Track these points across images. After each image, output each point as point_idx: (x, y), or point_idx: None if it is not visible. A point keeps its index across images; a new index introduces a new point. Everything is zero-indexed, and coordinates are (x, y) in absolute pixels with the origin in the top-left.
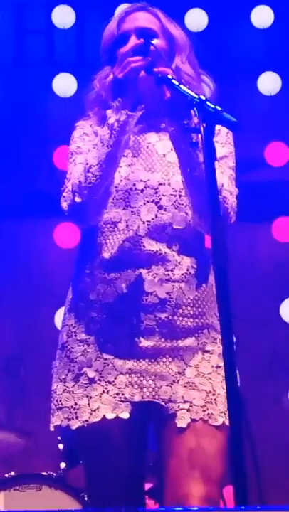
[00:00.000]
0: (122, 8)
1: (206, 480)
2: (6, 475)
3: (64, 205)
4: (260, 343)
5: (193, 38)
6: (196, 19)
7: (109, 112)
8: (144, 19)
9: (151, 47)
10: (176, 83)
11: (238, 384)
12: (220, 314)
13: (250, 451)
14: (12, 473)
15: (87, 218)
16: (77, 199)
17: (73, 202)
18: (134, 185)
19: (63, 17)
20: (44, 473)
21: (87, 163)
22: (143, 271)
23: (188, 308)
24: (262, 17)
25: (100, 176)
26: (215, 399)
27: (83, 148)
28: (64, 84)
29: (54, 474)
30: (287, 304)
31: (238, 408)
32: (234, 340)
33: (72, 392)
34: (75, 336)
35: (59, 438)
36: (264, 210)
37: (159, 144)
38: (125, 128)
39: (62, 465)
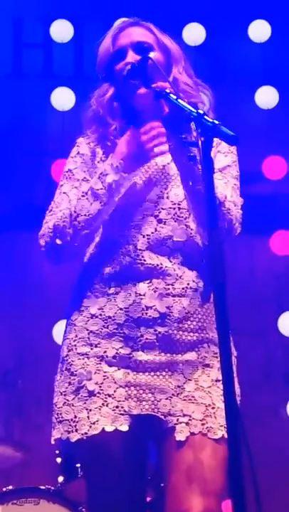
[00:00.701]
0: (117, 23)
1: (206, 493)
2: (4, 489)
3: (42, 241)
4: (258, 356)
5: (191, 52)
6: (194, 33)
7: (107, 167)
8: (138, 33)
9: (150, 61)
10: (174, 97)
11: (238, 397)
12: (218, 327)
13: (249, 464)
14: (10, 487)
15: (65, 259)
16: (58, 241)
17: (53, 243)
18: (132, 200)
19: (62, 31)
20: (42, 487)
21: (74, 211)
22: (143, 285)
23: (189, 322)
24: (259, 31)
25: (86, 226)
26: (214, 412)
27: (74, 172)
28: (62, 98)
29: (52, 488)
30: (285, 317)
31: (236, 421)
32: (235, 354)
33: (72, 405)
34: (76, 349)
35: (57, 452)
36: (262, 224)
37: (159, 157)
38: (120, 188)
39: (60, 479)
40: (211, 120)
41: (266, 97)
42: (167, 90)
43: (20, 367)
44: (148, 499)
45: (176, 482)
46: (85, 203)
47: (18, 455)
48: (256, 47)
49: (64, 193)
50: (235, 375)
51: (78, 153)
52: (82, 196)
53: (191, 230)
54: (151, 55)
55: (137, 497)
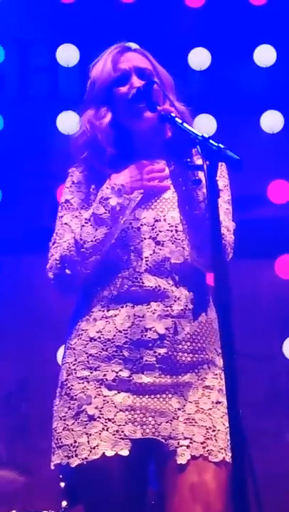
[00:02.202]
0: (113, 47)
1: None
2: None
3: (50, 274)
4: (262, 380)
5: (196, 77)
6: (199, 58)
7: (107, 191)
8: (138, 59)
9: (155, 86)
10: (180, 121)
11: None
12: (223, 351)
13: (253, 488)
14: (13, 511)
15: (75, 289)
16: (68, 271)
17: (63, 273)
18: (130, 224)
19: (67, 55)
20: None
21: (80, 239)
22: (142, 307)
23: (188, 343)
24: (265, 56)
25: (94, 252)
26: (215, 435)
27: (72, 201)
28: (68, 122)
29: None
30: None
31: (241, 446)
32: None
33: (72, 430)
34: (75, 373)
35: (61, 476)
36: (267, 248)
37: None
38: (125, 211)
39: (64, 503)
40: (216, 144)
41: (271, 121)
42: (172, 114)
43: (24, 390)
44: None
45: (178, 505)
46: (89, 229)
47: (21, 479)
48: (261, 71)
49: (65, 223)
50: None
51: (73, 182)
52: (86, 223)
53: (187, 252)
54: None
55: None
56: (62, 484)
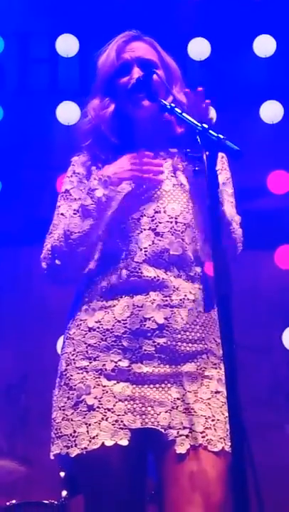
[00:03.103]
0: (119, 36)
1: (207, 507)
2: (8, 503)
3: (43, 264)
4: (262, 371)
5: (196, 67)
6: (199, 48)
7: (95, 182)
8: (143, 49)
9: (154, 76)
10: (180, 111)
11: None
12: (222, 341)
13: (253, 480)
14: (13, 502)
15: (66, 280)
16: (57, 262)
17: (53, 264)
18: (130, 214)
19: (67, 46)
20: (46, 502)
21: (68, 230)
22: (141, 297)
23: (187, 333)
24: (264, 46)
25: (80, 243)
26: (214, 425)
27: (71, 192)
28: (67, 112)
29: (55, 502)
30: None
31: (240, 436)
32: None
33: (71, 420)
34: (74, 363)
35: (60, 466)
36: (266, 238)
37: None
38: (111, 202)
39: (64, 493)
40: (216, 134)
41: (271, 111)
42: (172, 104)
43: (24, 381)
44: None
45: (177, 494)
46: (77, 220)
47: (21, 469)
48: (261, 62)
49: (61, 214)
50: None
51: (74, 172)
52: (74, 214)
53: (186, 244)
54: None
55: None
56: (62, 474)
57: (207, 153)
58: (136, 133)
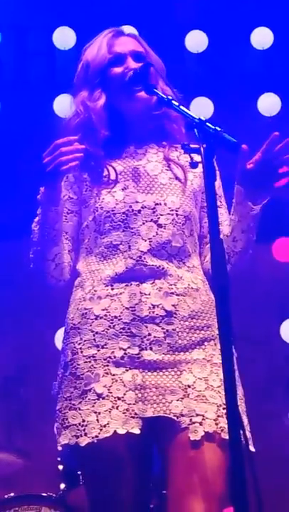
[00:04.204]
0: (106, 31)
1: (214, 494)
2: (6, 496)
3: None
4: (260, 363)
5: (193, 59)
6: (196, 40)
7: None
8: (133, 43)
9: (151, 68)
10: (177, 103)
11: (241, 400)
12: (220, 334)
13: (250, 471)
14: (12, 494)
15: (62, 282)
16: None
17: (38, 275)
18: (130, 207)
19: (64, 38)
20: (44, 494)
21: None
22: (147, 285)
23: (194, 320)
24: (262, 38)
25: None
26: (225, 413)
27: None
28: (65, 105)
29: (54, 495)
30: (287, 325)
31: (238, 426)
32: (235, 355)
33: (79, 409)
34: (81, 352)
35: (59, 459)
36: (264, 230)
37: (150, 166)
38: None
39: (62, 486)
40: (213, 127)
41: (268, 103)
42: (170, 97)
43: (22, 374)
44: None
45: (190, 481)
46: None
47: (19, 462)
48: (258, 54)
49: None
50: (237, 374)
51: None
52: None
53: (186, 236)
54: None
55: (142, 503)
56: (61, 467)
57: (204, 145)
58: (127, 125)
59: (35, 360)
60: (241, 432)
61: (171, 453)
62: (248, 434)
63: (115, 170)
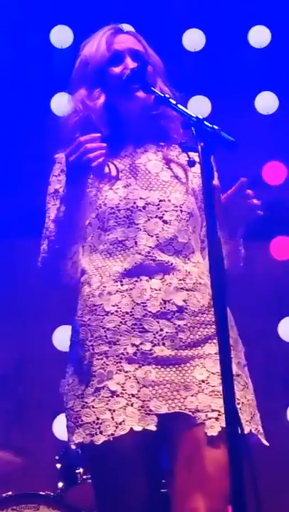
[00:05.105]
0: (106, 28)
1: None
2: (4, 494)
3: (40, 259)
4: (257, 361)
5: (190, 58)
6: (194, 39)
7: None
8: (132, 41)
9: (149, 67)
10: (174, 102)
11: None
12: (217, 331)
13: (249, 469)
14: (9, 493)
15: (68, 283)
16: (47, 275)
17: (45, 276)
18: (134, 203)
19: (61, 37)
20: (42, 493)
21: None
22: (156, 281)
23: (204, 315)
24: (259, 37)
25: (60, 249)
26: (240, 408)
27: (61, 191)
28: (62, 104)
29: (52, 494)
30: (285, 323)
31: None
32: (243, 350)
33: (93, 407)
34: (93, 349)
35: (57, 457)
36: (262, 229)
37: (150, 164)
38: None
39: (60, 484)
40: (211, 125)
41: (266, 102)
42: (167, 95)
43: (20, 372)
44: None
45: (212, 475)
46: (52, 225)
47: (17, 460)
48: (256, 52)
49: (50, 217)
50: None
51: (62, 170)
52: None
53: (190, 232)
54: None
55: (153, 501)
56: (59, 465)
57: (202, 144)
58: (125, 124)
59: (33, 358)
60: (241, 432)
61: (185, 450)
62: (260, 429)
63: (116, 167)
